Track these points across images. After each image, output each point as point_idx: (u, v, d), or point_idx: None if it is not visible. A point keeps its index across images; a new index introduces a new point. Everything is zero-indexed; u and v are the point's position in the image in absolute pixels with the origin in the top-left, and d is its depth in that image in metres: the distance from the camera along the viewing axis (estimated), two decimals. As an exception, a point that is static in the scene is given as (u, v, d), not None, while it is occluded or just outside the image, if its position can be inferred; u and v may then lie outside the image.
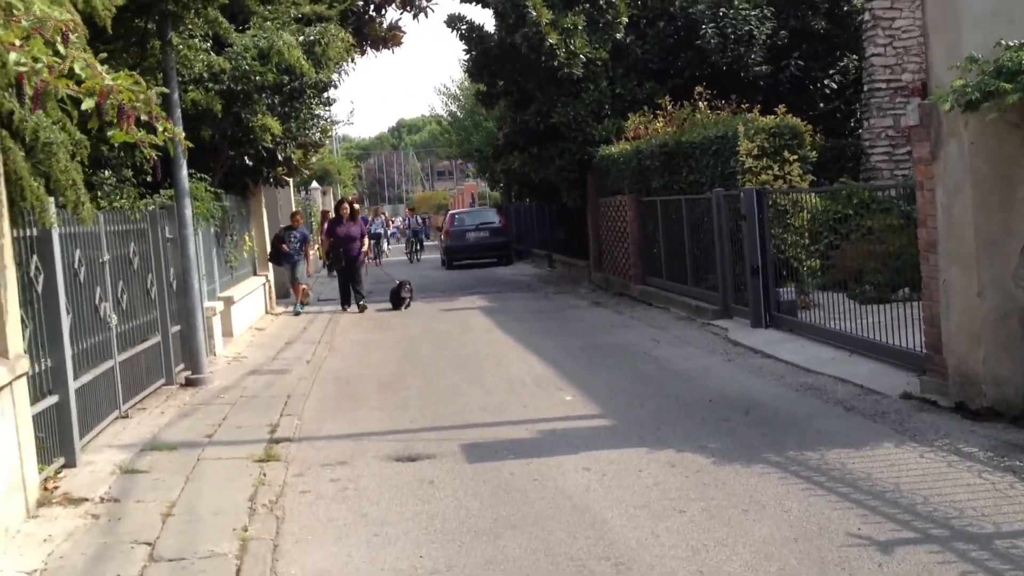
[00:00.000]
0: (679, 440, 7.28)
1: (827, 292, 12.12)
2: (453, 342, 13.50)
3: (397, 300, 17.96)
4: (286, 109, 14.58)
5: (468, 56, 22.11)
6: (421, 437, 7.80)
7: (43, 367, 6.84)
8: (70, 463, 6.93)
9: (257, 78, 13.10)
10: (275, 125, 13.57)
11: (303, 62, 13.33)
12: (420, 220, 40.92)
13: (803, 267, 13.17)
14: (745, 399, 8.63)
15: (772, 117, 13.93)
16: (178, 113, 10.64)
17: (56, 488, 6.39)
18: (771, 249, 12.66)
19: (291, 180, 18.30)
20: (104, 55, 6.45)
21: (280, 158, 15.82)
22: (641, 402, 8.76)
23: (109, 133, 6.23)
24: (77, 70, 5.37)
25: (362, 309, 18.00)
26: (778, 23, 20.72)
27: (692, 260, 15.18)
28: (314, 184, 39.48)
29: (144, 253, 10.05)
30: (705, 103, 17.78)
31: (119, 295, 9.04)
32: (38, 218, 6.35)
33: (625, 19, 20.84)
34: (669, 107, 18.80)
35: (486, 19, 23.54)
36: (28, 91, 5.45)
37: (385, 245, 38.70)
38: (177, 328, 10.84)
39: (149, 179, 11.19)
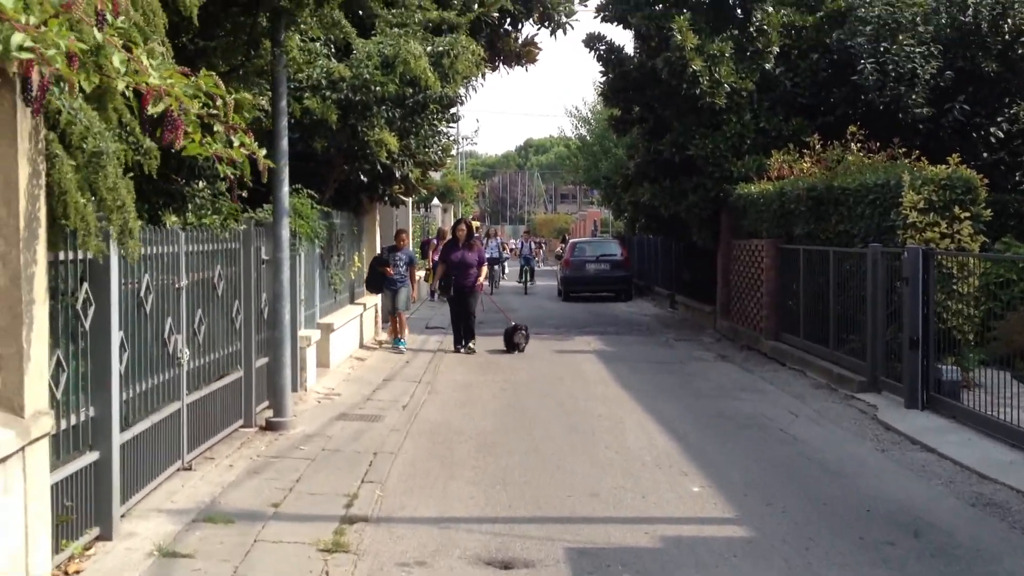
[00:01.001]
0: (836, 572, 5.86)
1: (987, 369, 10.55)
2: (563, 393, 12.22)
3: (510, 344, 16.17)
4: (407, 124, 13.52)
5: (604, 78, 20.95)
6: (519, 532, 6.51)
7: (84, 417, 5.81)
8: (105, 535, 5.87)
9: (378, 88, 12.10)
10: (392, 140, 12.51)
11: (429, 74, 12.28)
12: (532, 246, 36.97)
13: (967, 341, 11.53)
14: (911, 514, 7.11)
15: (943, 167, 12.31)
16: (283, 123, 9.62)
17: (78, 573, 5.32)
18: (934, 319, 11.07)
19: (408, 199, 17.20)
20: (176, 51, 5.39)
21: (397, 176, 14.81)
22: (783, 504, 7.32)
23: (178, 145, 5.20)
24: (116, 63, 4.30)
25: (469, 351, 16.14)
26: (944, 63, 18.96)
27: (836, 320, 13.62)
28: (435, 201, 38.77)
29: (232, 277, 9.06)
30: (858, 144, 16.21)
31: (196, 326, 8.04)
32: (81, 243, 5.30)
33: (776, 48, 19.38)
34: (818, 146, 17.29)
35: (626, 41, 22.34)
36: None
37: (501, 272, 35.00)
38: (264, 361, 9.82)
39: (245, 193, 10.28)
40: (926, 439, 9.55)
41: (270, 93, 9.91)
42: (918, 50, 18.72)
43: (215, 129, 5.43)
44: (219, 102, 5.34)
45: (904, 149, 15.38)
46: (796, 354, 14.80)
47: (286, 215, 9.54)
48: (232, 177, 5.76)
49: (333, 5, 9.40)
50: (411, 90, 12.86)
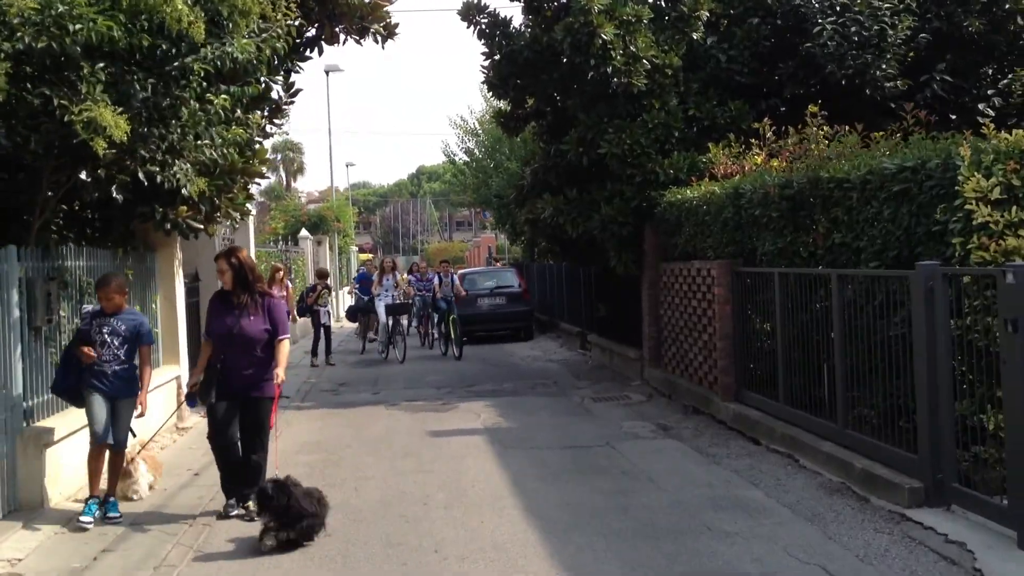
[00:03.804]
0: None
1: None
2: (428, 543, 7.10)
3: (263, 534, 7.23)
4: (158, 100, 8.21)
5: (488, 61, 16.05)
6: None
7: None
8: None
9: (79, 28, 7.00)
10: (116, 122, 7.18)
11: (180, 4, 7.28)
12: (455, 280, 22.41)
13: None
14: None
15: (1021, 132, 7.69)
16: None
17: None
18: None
19: (203, 227, 11.46)
20: None
21: (178, 190, 9.40)
22: None
23: None
24: None
25: (245, 515, 7.92)
26: (919, 23, 14.73)
27: (844, 379, 8.91)
28: (303, 233, 33.45)
29: None
30: (820, 129, 11.67)
31: None
32: None
33: (705, 13, 14.86)
34: (769, 134, 12.78)
35: (515, 14, 17.30)
36: None
37: (407, 326, 22.00)
38: None
39: None
40: None
41: None
42: (887, 6, 14.46)
43: None
44: None
45: (881, 133, 10.73)
46: (775, 427, 10.04)
47: None
48: None
49: None
50: (162, 44, 7.80)
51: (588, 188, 15.20)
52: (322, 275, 20.20)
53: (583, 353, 19.91)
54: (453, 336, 20.48)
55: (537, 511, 7.83)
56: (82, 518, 7.71)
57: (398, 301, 21.09)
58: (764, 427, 10.29)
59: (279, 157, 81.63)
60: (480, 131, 33.21)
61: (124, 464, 8.23)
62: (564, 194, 15.45)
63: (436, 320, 22.21)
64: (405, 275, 24.12)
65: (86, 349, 7.85)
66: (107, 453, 7.99)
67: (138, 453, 8.64)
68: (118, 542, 7.32)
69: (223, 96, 8.79)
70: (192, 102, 8.35)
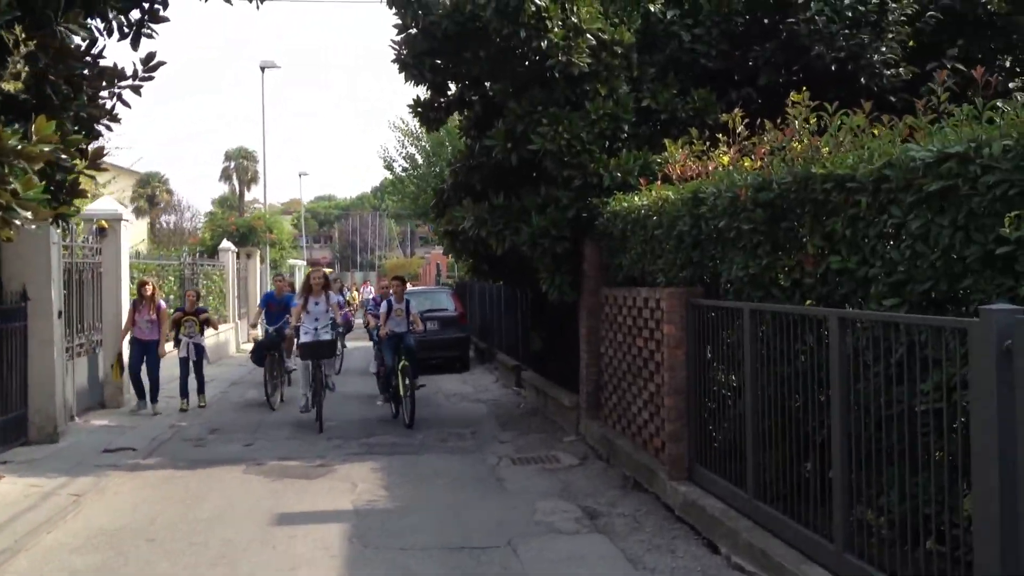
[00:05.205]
0: None
1: None
2: None
3: None
4: None
5: (401, 36, 12.91)
6: None
7: None
8: None
9: None
10: None
11: None
12: (411, 308, 15.12)
13: None
14: None
15: None
16: None
17: None
18: None
19: (24, 219, 8.24)
20: None
21: None
22: None
23: None
24: None
25: None
26: (922, 2, 12.10)
27: (844, 470, 5.93)
28: (224, 244, 30.19)
29: None
30: (805, 122, 8.57)
31: None
32: None
33: (666, -21, 12.04)
34: (741, 128, 9.74)
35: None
36: None
37: (338, 359, 17.39)
38: None
39: None
40: None
41: None
42: (887, -22, 11.76)
43: None
44: None
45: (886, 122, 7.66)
46: (740, 530, 7.01)
47: None
48: None
49: None
50: None
51: (518, 193, 12.28)
52: (192, 298, 16.35)
53: (518, 392, 16.87)
54: (403, 391, 14.02)
55: None
56: None
57: (323, 337, 14.16)
58: (725, 527, 7.28)
59: (232, 165, 78.08)
60: (423, 136, 30.09)
61: None
62: (489, 200, 12.47)
63: (379, 365, 15.79)
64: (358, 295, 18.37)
65: None
66: None
67: None
68: None
69: None
70: None
